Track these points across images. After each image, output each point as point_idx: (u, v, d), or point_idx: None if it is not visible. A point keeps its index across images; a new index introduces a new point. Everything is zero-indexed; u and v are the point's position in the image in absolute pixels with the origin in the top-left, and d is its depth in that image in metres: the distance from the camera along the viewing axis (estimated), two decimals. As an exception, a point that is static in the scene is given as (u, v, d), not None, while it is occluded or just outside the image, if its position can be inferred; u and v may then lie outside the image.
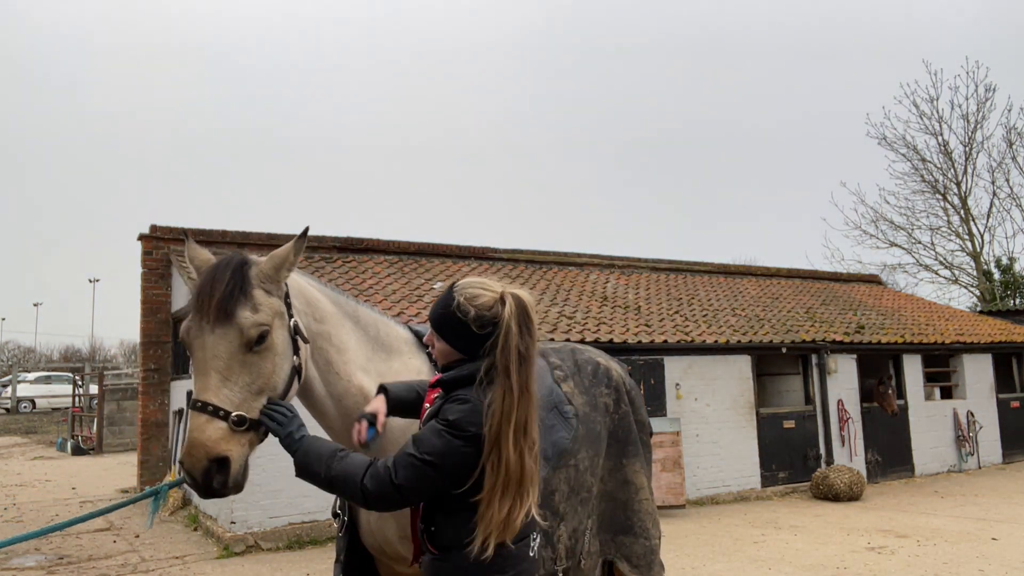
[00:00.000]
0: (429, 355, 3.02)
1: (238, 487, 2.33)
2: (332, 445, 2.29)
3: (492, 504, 2.14)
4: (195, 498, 10.40)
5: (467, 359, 2.30)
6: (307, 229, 2.61)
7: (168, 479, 9.30)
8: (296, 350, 2.52)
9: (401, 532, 2.76)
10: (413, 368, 2.96)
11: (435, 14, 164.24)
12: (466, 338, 2.27)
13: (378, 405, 2.55)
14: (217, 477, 2.27)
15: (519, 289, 2.33)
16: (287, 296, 2.56)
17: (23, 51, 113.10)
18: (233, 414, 2.29)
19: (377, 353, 2.90)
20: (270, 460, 8.51)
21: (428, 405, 2.43)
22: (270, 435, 2.43)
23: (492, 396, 2.18)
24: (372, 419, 2.52)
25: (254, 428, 2.35)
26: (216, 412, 2.28)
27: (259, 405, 2.37)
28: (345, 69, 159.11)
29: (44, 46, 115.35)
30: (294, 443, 2.27)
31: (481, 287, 2.31)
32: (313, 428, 2.33)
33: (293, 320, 2.53)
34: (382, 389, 2.59)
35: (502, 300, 2.26)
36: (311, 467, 2.22)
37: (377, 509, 2.29)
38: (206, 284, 2.41)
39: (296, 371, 2.52)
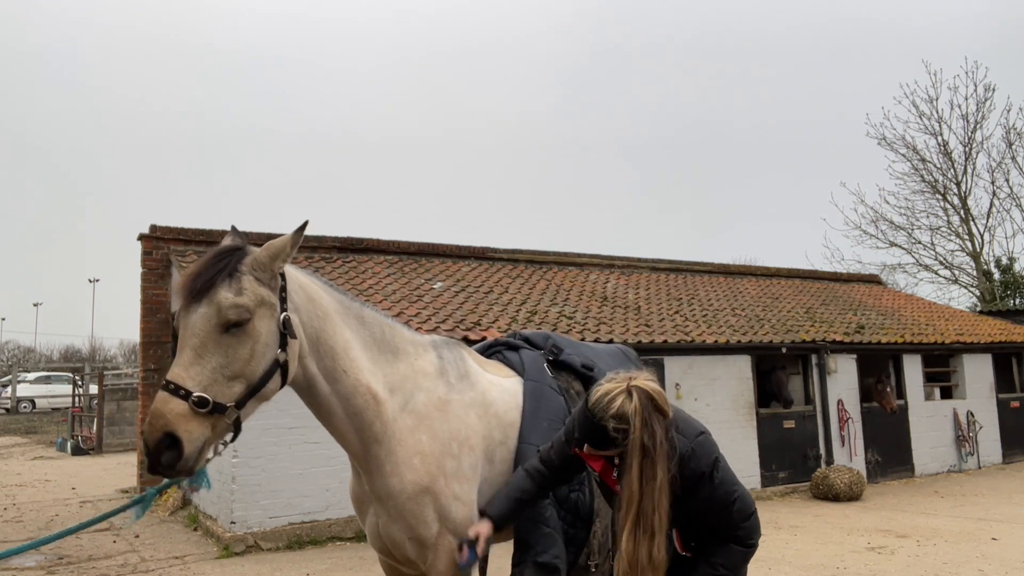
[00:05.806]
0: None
1: (188, 470, 2.26)
2: None
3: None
4: (195, 498, 10.39)
5: None
6: (306, 222, 2.63)
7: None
8: (283, 344, 2.47)
9: (410, 533, 2.81)
10: (420, 369, 2.97)
11: (439, 14, 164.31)
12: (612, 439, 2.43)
13: (482, 530, 2.71)
14: (167, 454, 2.21)
15: (645, 381, 2.43)
16: (283, 290, 2.55)
17: (23, 51, 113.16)
18: (194, 395, 2.24)
19: (383, 354, 2.90)
20: (270, 460, 8.51)
21: (594, 469, 2.58)
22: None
23: (623, 484, 2.37)
24: (472, 543, 2.67)
25: (219, 411, 2.29)
26: (176, 391, 2.23)
27: (233, 391, 2.33)
28: (346, 69, 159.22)
29: (44, 47, 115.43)
30: None
31: (608, 397, 2.40)
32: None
33: (285, 314, 2.50)
34: (485, 515, 2.76)
35: (628, 393, 2.38)
36: None
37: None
38: (197, 266, 2.44)
39: (280, 365, 2.47)
